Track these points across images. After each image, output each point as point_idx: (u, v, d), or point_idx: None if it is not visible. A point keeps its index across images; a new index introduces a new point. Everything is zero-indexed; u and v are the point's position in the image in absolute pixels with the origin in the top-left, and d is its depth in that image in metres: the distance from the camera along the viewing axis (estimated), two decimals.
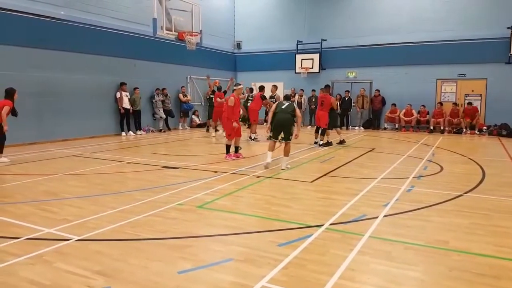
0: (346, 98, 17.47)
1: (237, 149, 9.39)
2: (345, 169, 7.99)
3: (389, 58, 17.14)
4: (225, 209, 5.20)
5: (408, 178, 7.09)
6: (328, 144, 11.39)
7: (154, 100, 15.32)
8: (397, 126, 16.82)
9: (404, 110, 16.61)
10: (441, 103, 16.17)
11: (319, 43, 18.46)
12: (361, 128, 17.53)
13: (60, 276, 3.26)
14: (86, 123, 12.95)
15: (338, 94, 17.48)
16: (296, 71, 18.90)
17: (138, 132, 14.50)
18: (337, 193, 6.11)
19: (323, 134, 11.41)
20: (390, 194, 5.88)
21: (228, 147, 9.11)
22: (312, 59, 18.53)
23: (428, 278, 3.31)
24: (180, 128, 16.81)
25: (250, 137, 12.62)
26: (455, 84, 16.46)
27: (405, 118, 16.48)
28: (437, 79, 16.65)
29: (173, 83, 16.53)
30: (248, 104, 13.66)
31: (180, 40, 14.67)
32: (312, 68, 18.52)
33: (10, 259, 3.57)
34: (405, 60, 16.87)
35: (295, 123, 8.00)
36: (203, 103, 18.35)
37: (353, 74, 18.37)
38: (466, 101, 15.83)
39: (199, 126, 17.47)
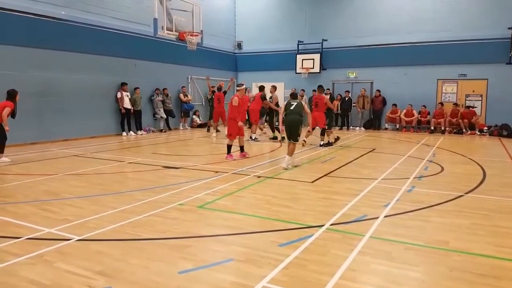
0: (347, 98, 17.47)
1: (242, 148, 9.41)
2: (345, 170, 7.99)
3: (390, 58, 17.14)
4: (225, 209, 5.21)
5: (409, 178, 7.09)
6: (329, 144, 11.41)
7: (153, 98, 15.34)
8: (397, 126, 16.81)
9: (404, 111, 16.59)
10: (441, 104, 16.16)
11: (319, 43, 18.45)
12: (362, 128, 17.52)
13: (61, 276, 3.26)
14: (87, 123, 12.96)
15: (338, 94, 17.50)
16: (297, 71, 18.90)
17: (139, 132, 14.52)
18: (337, 193, 6.11)
19: (323, 134, 11.44)
20: (391, 195, 5.88)
21: (229, 147, 9.12)
22: (313, 59, 18.52)
23: (429, 279, 3.31)
24: (181, 128, 16.82)
25: (250, 137, 12.62)
26: (455, 84, 16.45)
27: (406, 119, 16.47)
28: (437, 79, 16.64)
29: (173, 83, 16.55)
30: (249, 105, 13.66)
31: (180, 40, 14.67)
32: (313, 68, 18.51)
33: (10, 259, 3.57)
34: (406, 60, 16.87)
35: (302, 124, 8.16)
36: (203, 103, 18.37)
37: (354, 74, 18.36)
38: (465, 104, 15.88)
39: (200, 126, 17.48)
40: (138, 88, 14.40)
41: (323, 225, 4.49)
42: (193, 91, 17.85)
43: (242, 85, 9.67)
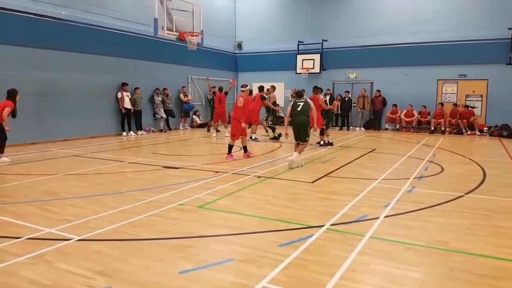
0: (347, 99, 17.47)
1: (245, 148, 9.42)
2: (346, 170, 7.99)
3: (390, 58, 17.14)
4: (226, 209, 5.21)
5: (409, 178, 7.09)
6: (329, 144, 11.41)
7: (153, 99, 15.34)
8: (398, 126, 16.81)
9: (405, 111, 16.60)
10: (442, 104, 16.16)
11: (320, 43, 18.45)
12: (362, 128, 17.51)
13: (61, 276, 3.26)
14: (87, 123, 12.97)
15: (338, 94, 17.50)
16: (297, 72, 18.90)
17: (139, 132, 14.52)
18: (337, 193, 6.11)
19: (321, 134, 11.44)
20: (391, 195, 5.88)
21: (230, 147, 9.12)
22: (313, 59, 18.52)
23: (429, 279, 3.30)
24: (181, 128, 16.83)
25: (251, 137, 12.62)
26: (456, 84, 16.45)
27: (406, 119, 16.47)
28: (438, 79, 16.64)
29: (174, 83, 16.55)
30: None
31: (181, 40, 14.66)
32: (313, 68, 18.51)
33: (10, 259, 3.57)
34: (406, 61, 16.87)
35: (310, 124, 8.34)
36: (203, 103, 18.37)
37: (354, 74, 18.36)
38: (464, 104, 15.87)
39: (200, 126, 17.49)
40: (138, 88, 14.41)
41: (323, 225, 4.49)
42: (193, 91, 17.86)
43: (247, 86, 9.69)
